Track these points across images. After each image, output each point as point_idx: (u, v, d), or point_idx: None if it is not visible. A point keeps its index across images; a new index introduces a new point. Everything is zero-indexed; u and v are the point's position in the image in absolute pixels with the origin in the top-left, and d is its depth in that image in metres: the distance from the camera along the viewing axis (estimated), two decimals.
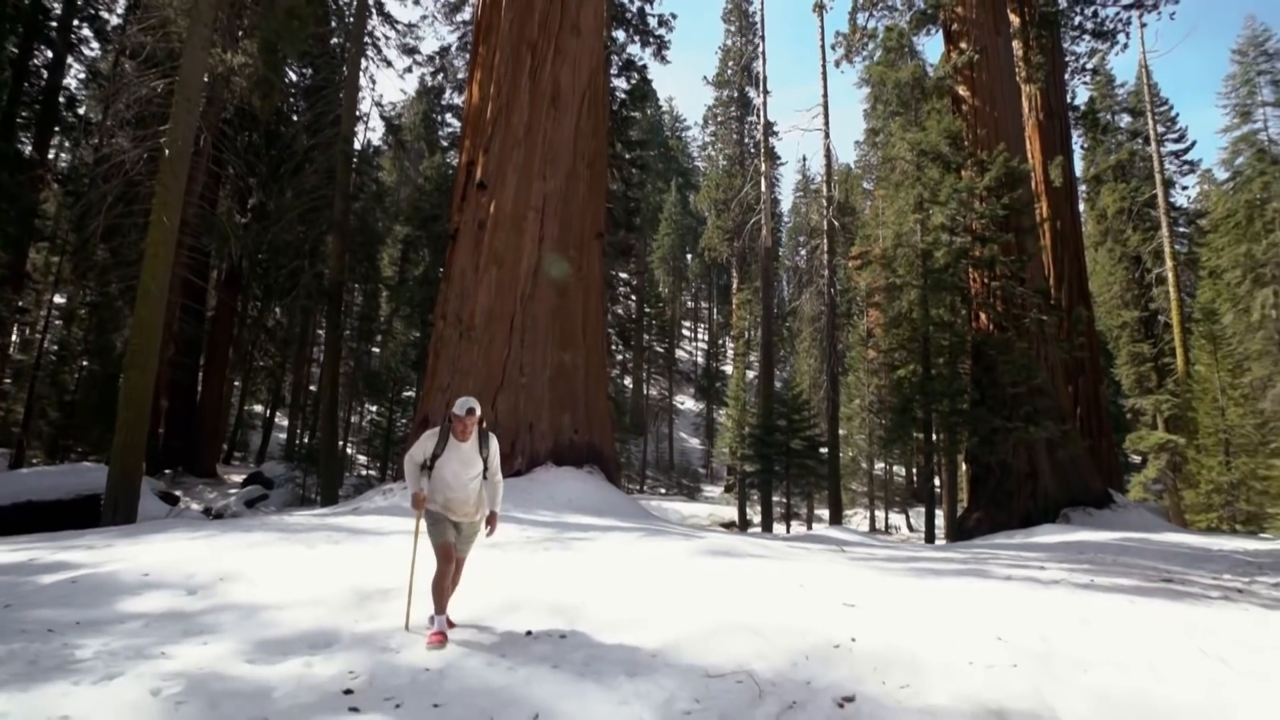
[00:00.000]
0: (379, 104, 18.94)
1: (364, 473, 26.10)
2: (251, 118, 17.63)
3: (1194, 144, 35.39)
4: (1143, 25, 28.16)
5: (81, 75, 16.28)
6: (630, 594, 4.50)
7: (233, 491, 19.59)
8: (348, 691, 3.01)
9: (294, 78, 19.72)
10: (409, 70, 19.24)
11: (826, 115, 21.56)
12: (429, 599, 3.94)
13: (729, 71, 33.54)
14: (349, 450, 29.13)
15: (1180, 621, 3.96)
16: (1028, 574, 5.85)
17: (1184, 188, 33.25)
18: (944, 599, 4.30)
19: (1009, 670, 2.87)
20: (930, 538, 18.66)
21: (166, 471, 19.23)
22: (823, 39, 22.29)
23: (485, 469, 4.14)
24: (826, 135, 21.53)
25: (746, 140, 32.41)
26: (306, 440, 26.96)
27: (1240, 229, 26.53)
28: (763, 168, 23.07)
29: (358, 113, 18.71)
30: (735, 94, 33.89)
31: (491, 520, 4.29)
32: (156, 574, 5.47)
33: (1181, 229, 34.08)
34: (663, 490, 33.80)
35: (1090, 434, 21.15)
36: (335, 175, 16.20)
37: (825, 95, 21.63)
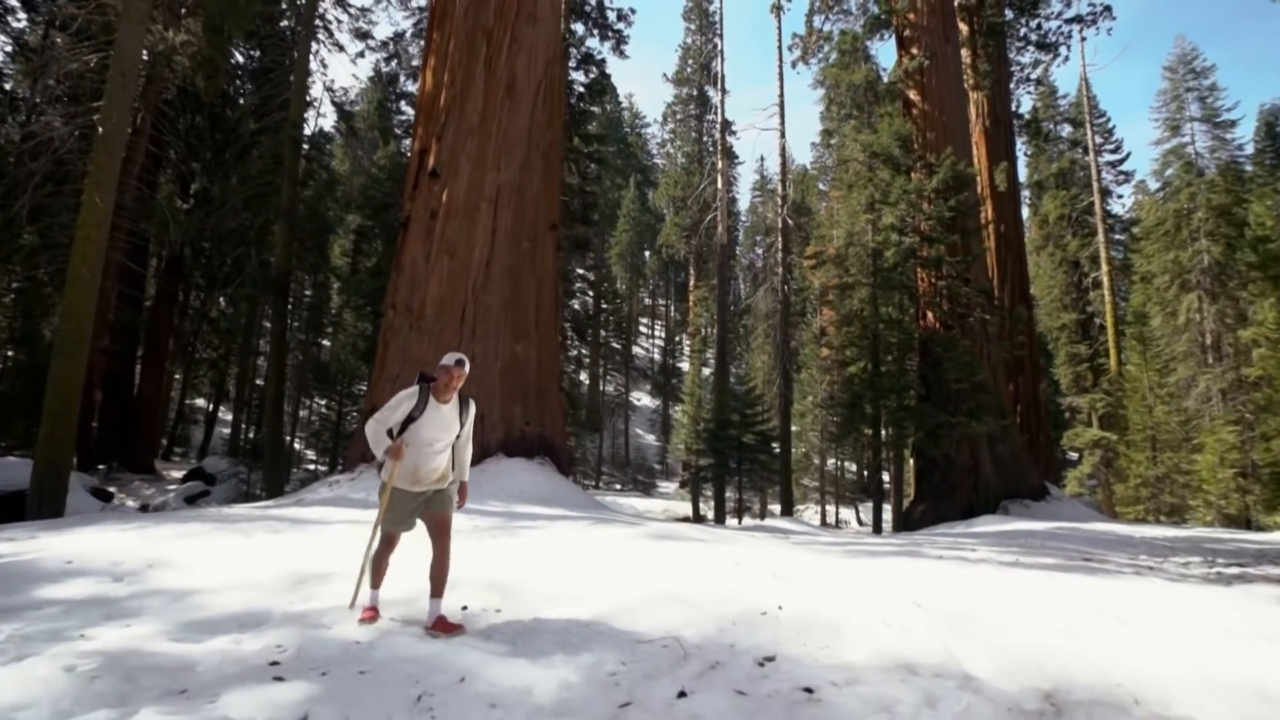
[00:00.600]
0: (330, 89, 18.51)
1: (312, 468, 25.49)
2: (195, 99, 17.01)
3: (1129, 155, 37.09)
4: (1083, 39, 29.37)
5: (8, 48, 15.48)
6: (569, 573, 4.53)
7: (172, 488, 18.90)
8: (274, 663, 2.97)
9: (241, 59, 19.09)
10: (361, 55, 18.78)
11: (782, 115, 21.91)
12: (373, 578, 3.81)
13: (688, 69, 33.79)
14: (296, 445, 28.39)
15: (1090, 591, 4.18)
16: (958, 555, 6.09)
17: (1120, 197, 34.81)
18: (873, 575, 4.45)
19: (923, 631, 3.00)
20: (878, 529, 19.15)
21: (100, 467, 18.42)
22: (780, 40, 22.64)
23: (458, 435, 3.84)
24: (782, 135, 21.88)
25: (705, 138, 32.71)
26: (252, 435, 26.17)
27: (1169, 237, 27.89)
28: (720, 165, 23.31)
29: (308, 98, 18.24)
30: (695, 92, 34.17)
31: (462, 492, 4.01)
32: (81, 561, 5.28)
33: (1117, 236, 35.67)
34: (618, 486, 33.86)
35: (1029, 430, 21.99)
36: (284, 161, 15.76)
37: (781, 95, 21.98)
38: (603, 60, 18.91)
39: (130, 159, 14.41)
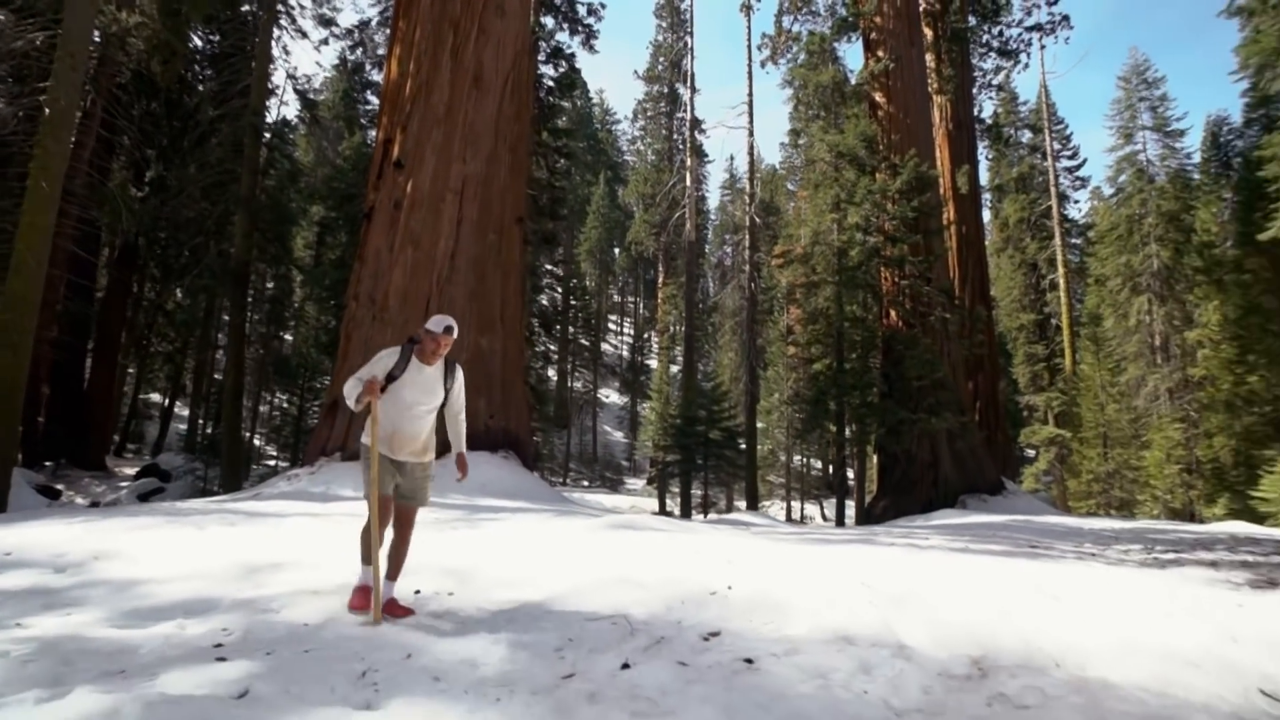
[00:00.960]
0: (293, 76, 18.06)
1: (272, 464, 24.99)
2: (151, 84, 16.52)
3: (1086, 161, 38.19)
4: (1042, 47, 30.13)
5: None
6: (526, 559, 4.54)
7: (124, 485, 18.37)
8: (218, 645, 2.94)
9: (199, 43, 18.57)
10: (325, 43, 18.36)
11: (751, 113, 22.12)
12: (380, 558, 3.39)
13: (659, 67, 33.86)
14: (257, 442, 27.79)
15: (1031, 573, 4.33)
16: (910, 542, 6.24)
17: (1076, 202, 35.91)
18: (825, 559, 4.54)
19: (866, 607, 3.09)
20: (841, 524, 19.45)
21: (47, 464, 17.82)
22: (749, 39, 22.84)
23: (445, 403, 3.59)
24: (750, 133, 22.07)
25: (676, 136, 32.86)
26: (210, 431, 25.54)
27: (1122, 241, 28.81)
28: (689, 163, 23.43)
29: (270, 85, 17.87)
30: (665, 89, 34.26)
31: (461, 464, 3.75)
32: (21, 553, 5.13)
33: (1074, 240, 36.76)
34: (585, 483, 33.83)
35: (987, 427, 22.55)
36: (244, 149, 15.40)
37: (750, 94, 22.19)
38: (572, 55, 18.87)
39: (80, 143, 13.95)
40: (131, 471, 20.16)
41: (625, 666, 2.50)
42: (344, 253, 19.17)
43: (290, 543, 5.75)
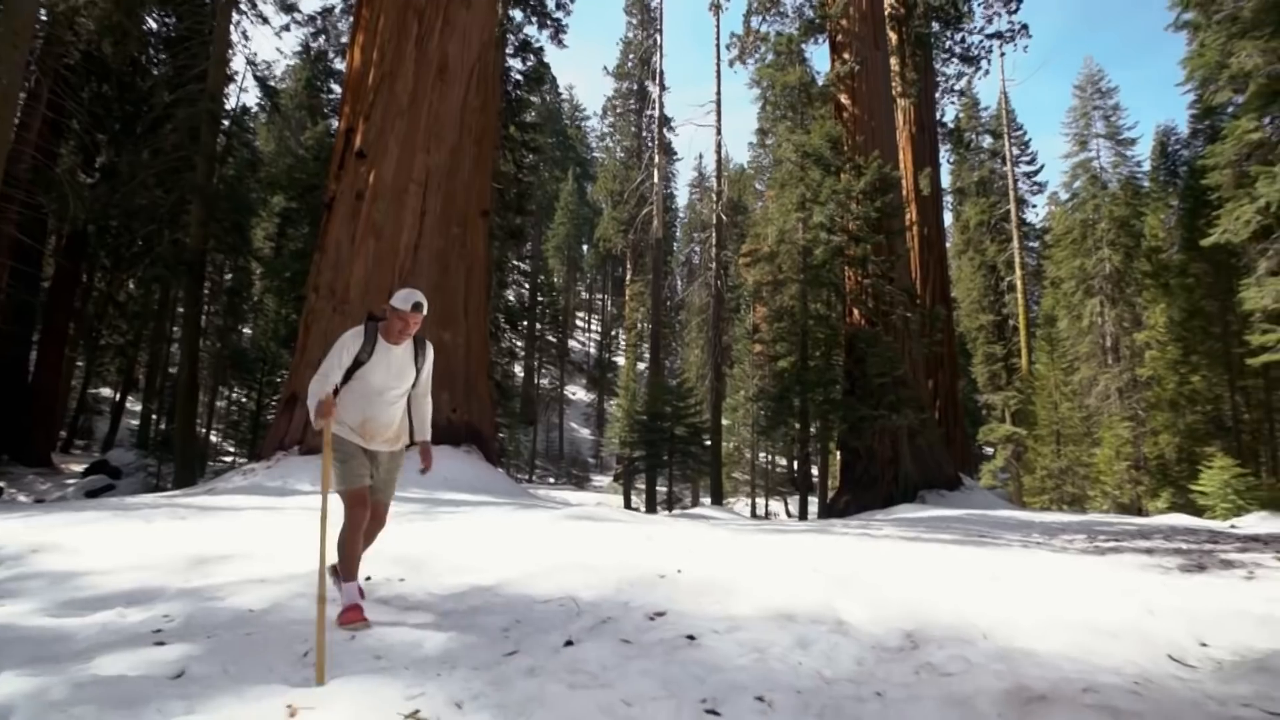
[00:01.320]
0: (253, 62, 17.55)
1: (229, 460, 24.41)
2: (102, 66, 16.00)
3: (1043, 167, 39.26)
4: (1002, 55, 30.91)
5: None
6: (481, 548, 4.53)
7: (71, 482, 17.77)
8: (158, 631, 2.89)
9: (154, 25, 18.00)
10: (287, 29, 17.92)
11: (719, 112, 22.28)
12: (352, 563, 3.13)
13: (629, 64, 33.88)
14: (213, 438, 27.10)
15: (975, 559, 4.48)
16: (864, 532, 6.39)
17: (1034, 206, 36.86)
18: (778, 547, 4.63)
19: (810, 589, 3.16)
20: (804, 518, 19.74)
21: None
22: (718, 38, 23.01)
23: (414, 384, 3.29)
24: (718, 132, 22.24)
25: (645, 133, 32.93)
26: (163, 427, 24.82)
27: (1076, 245, 29.69)
28: (657, 161, 23.49)
29: (229, 71, 17.42)
30: (635, 86, 34.29)
31: (425, 454, 3.42)
32: None
33: (1031, 243, 37.76)
34: (551, 480, 33.73)
35: (946, 424, 23.06)
36: (199, 135, 14.99)
37: (718, 93, 22.35)
38: (541, 48, 18.78)
39: (25, 126, 13.46)
40: (79, 468, 19.50)
41: (568, 644, 2.53)
42: (305, 244, 18.79)
43: (242, 535, 5.66)
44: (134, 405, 29.48)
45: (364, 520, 3.18)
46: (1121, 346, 28.70)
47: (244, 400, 25.11)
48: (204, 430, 24.05)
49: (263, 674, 2.24)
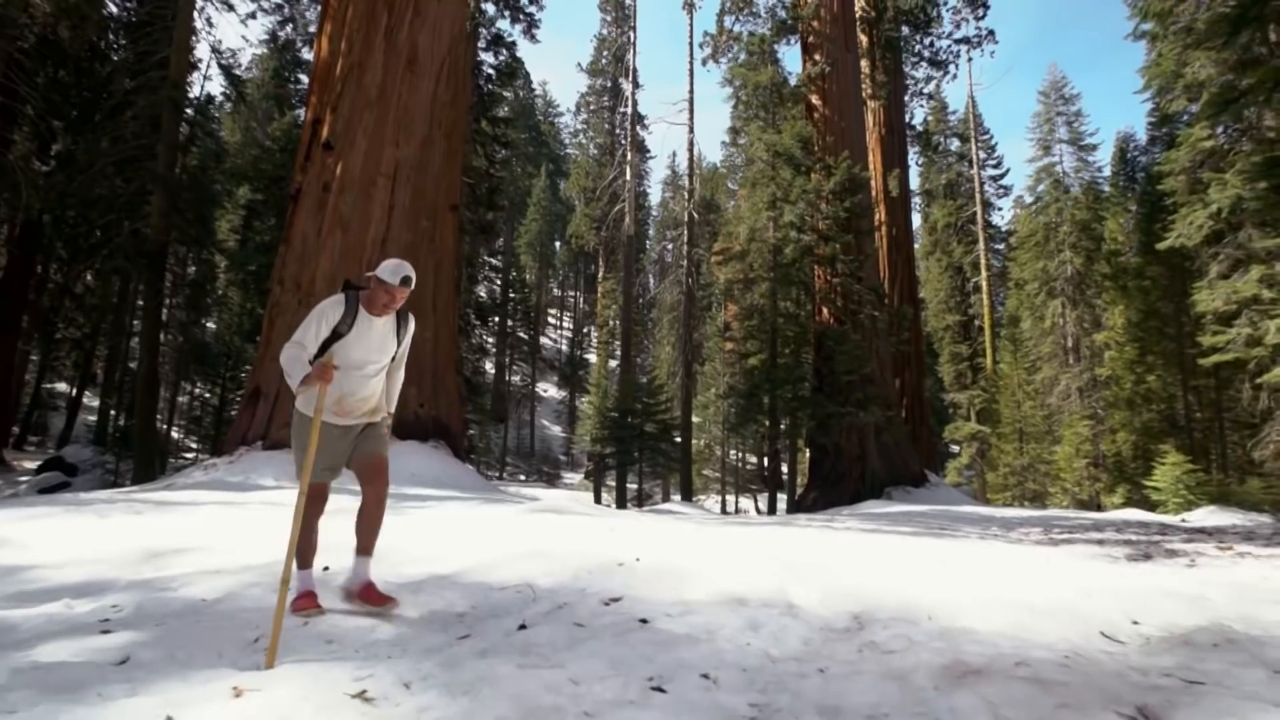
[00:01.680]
0: (217, 50, 17.12)
1: (191, 457, 23.89)
2: (59, 50, 15.52)
3: (1009, 171, 40.16)
4: (970, 60, 31.51)
5: None
6: (442, 540, 4.52)
7: (24, 479, 17.24)
8: (105, 620, 2.84)
9: (114, 9, 17.50)
10: (253, 17, 17.55)
11: (691, 110, 22.35)
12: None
13: (603, 60, 33.84)
14: (175, 434, 26.49)
15: (930, 548, 4.59)
16: (825, 525, 6.50)
17: (999, 209, 37.70)
18: (738, 538, 4.69)
19: (765, 575, 3.22)
20: (773, 514, 19.93)
21: None
22: (691, 36, 23.08)
23: (393, 356, 3.12)
24: (691, 130, 22.33)
25: (618, 130, 32.96)
26: (122, 423, 24.18)
27: (1039, 247, 30.42)
28: (630, 158, 23.51)
29: (193, 59, 17.02)
30: (609, 83, 34.24)
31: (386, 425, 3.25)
32: None
33: (997, 245, 38.57)
34: (523, 477, 33.59)
35: (913, 421, 23.48)
36: (161, 123, 14.63)
37: (691, 91, 22.43)
38: (513, 43, 18.68)
39: None
40: (33, 465, 18.93)
41: (522, 627, 2.56)
42: (272, 237, 18.45)
43: (200, 529, 5.56)
44: (91, 401, 28.63)
45: (317, 516, 3.07)
46: (1082, 347, 29.48)
47: (207, 396, 24.58)
48: (165, 427, 23.48)
49: (211, 659, 2.22)
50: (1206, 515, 13.20)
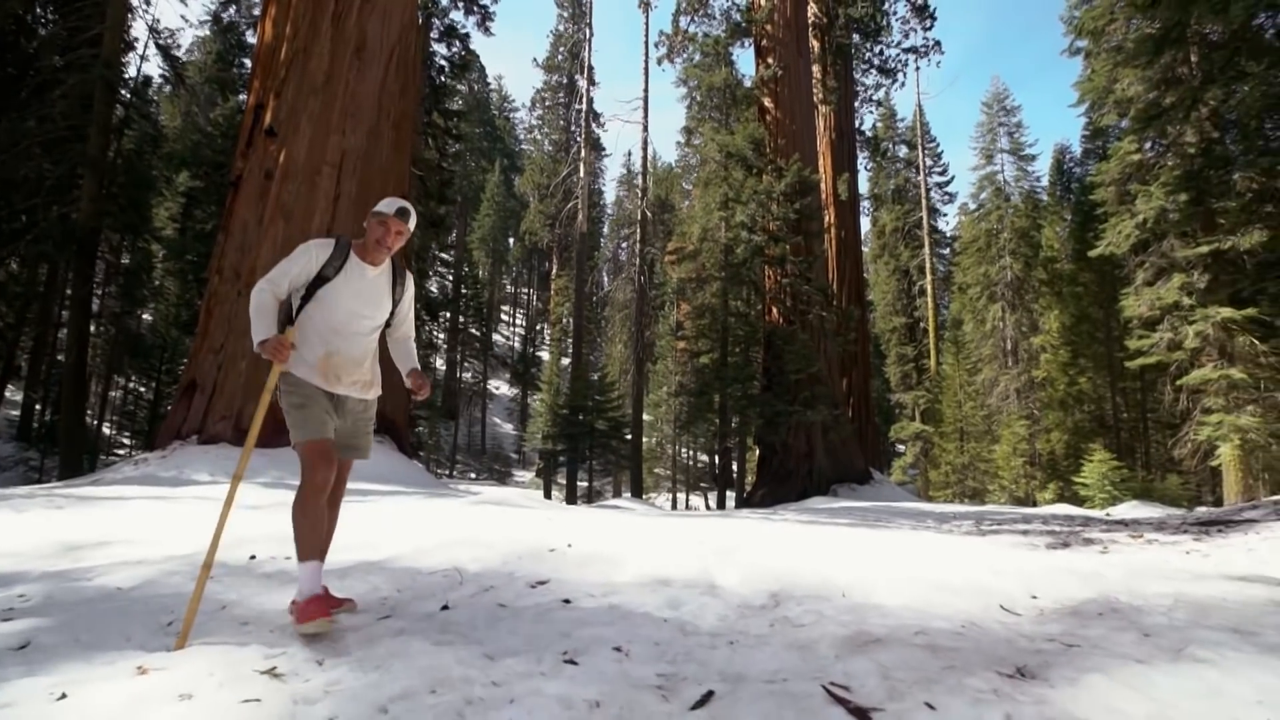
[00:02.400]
0: (155, 29, 16.35)
1: (124, 453, 22.89)
2: None
3: (954, 178, 41.40)
4: (917, 69, 32.46)
5: None
6: (378, 529, 4.47)
7: None
8: (9, 610, 2.73)
9: None
10: None
11: (646, 109, 22.46)
12: (316, 544, 2.45)
13: (559, 56, 33.70)
14: (106, 430, 25.33)
15: (860, 537, 4.74)
16: (764, 517, 6.64)
17: (945, 215, 38.89)
18: (675, 528, 4.77)
19: (692, 559, 3.30)
20: (722, 510, 20.19)
21: None
22: (647, 35, 23.17)
23: (390, 319, 2.72)
24: (645, 128, 22.43)
25: (573, 127, 32.87)
26: (48, 418, 23.01)
27: (981, 253, 31.53)
28: (584, 155, 23.48)
29: (129, 37, 16.31)
30: (564, 80, 34.10)
31: (417, 380, 2.78)
32: None
33: (942, 250, 39.83)
34: (473, 475, 33.21)
35: (859, 420, 24.04)
36: (93, 104, 13.98)
37: (646, 90, 22.53)
38: (467, 35, 18.47)
39: None
40: None
41: (445, 608, 2.57)
42: (213, 225, 17.81)
43: (126, 523, 5.37)
44: (14, 394, 27.15)
45: (329, 482, 2.48)
46: (1020, 349, 30.68)
47: (142, 390, 23.60)
48: (95, 422, 22.45)
49: (118, 643, 2.17)
50: (1130, 509, 13.93)
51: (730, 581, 2.90)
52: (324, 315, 2.53)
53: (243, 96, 19.65)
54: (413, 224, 2.57)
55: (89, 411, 21.78)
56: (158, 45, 16.59)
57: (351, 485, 10.01)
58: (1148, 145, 16.89)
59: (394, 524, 4.79)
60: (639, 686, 1.83)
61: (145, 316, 28.23)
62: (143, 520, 5.62)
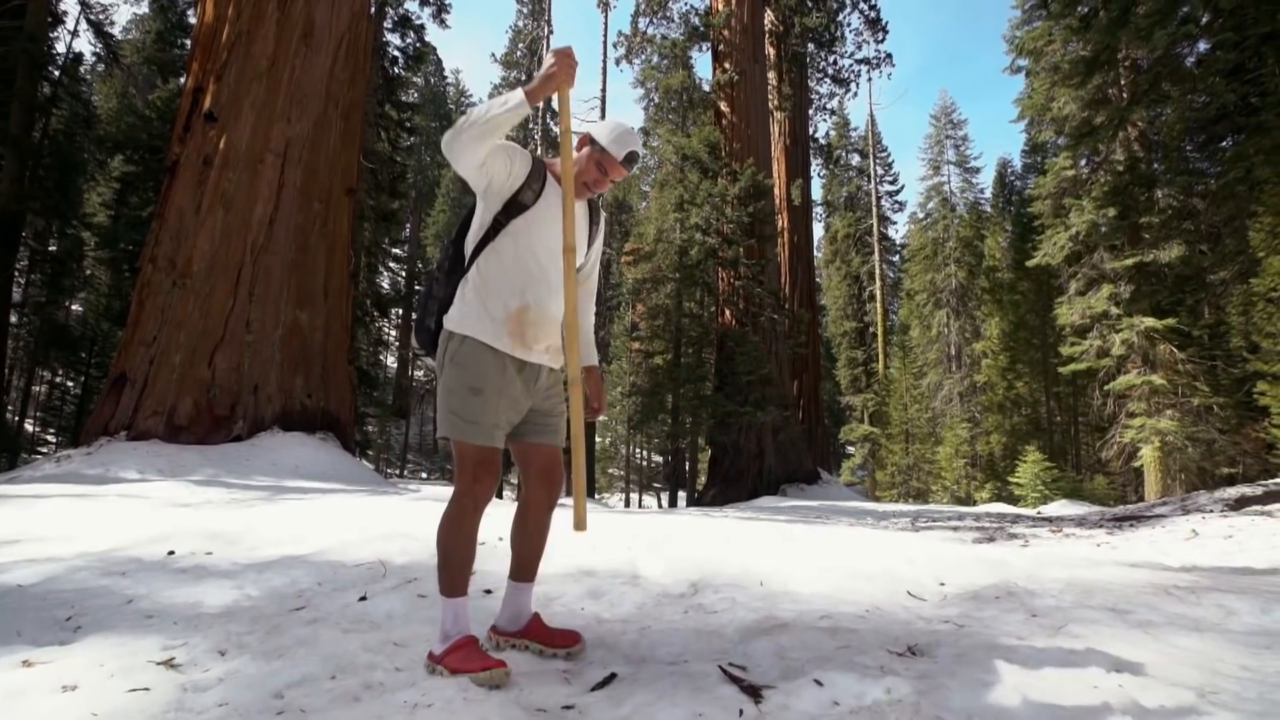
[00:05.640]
0: (86, 4, 15.55)
1: (49, 450, 21.79)
2: None
3: (903, 187, 42.58)
4: (870, 80, 33.25)
5: None
6: (309, 525, 4.38)
7: None
8: None
9: None
10: None
11: (604, 108, 22.50)
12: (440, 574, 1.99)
13: (518, 53, 33.46)
14: (29, 427, 24.08)
15: (793, 531, 4.85)
16: (704, 513, 6.73)
17: (894, 223, 39.94)
18: (613, 522, 4.80)
19: (621, 550, 3.34)
20: (674, 509, 20.32)
21: None
22: (605, 35, 23.20)
23: (584, 262, 2.13)
24: None
25: (532, 125, 32.65)
26: None
27: (928, 260, 32.54)
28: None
29: (57, 11, 15.55)
30: (523, 76, 33.77)
31: (595, 386, 2.11)
32: None
33: (892, 257, 40.91)
34: (424, 474, 32.67)
35: (809, 422, 24.53)
36: (15, 80, 13.28)
37: (604, 90, 22.58)
38: (422, 26, 18.16)
39: None
40: None
41: (362, 599, 2.54)
42: (149, 212, 17.10)
43: (40, 522, 5.14)
44: None
45: (487, 501, 2.01)
46: (963, 355, 31.73)
47: (69, 385, 22.51)
48: (16, 418, 21.30)
49: (8, 637, 2.09)
50: (1059, 508, 14.55)
51: (654, 572, 2.94)
52: (519, 251, 1.92)
53: (183, 80, 18.93)
54: (639, 160, 2.03)
55: (9, 407, 20.66)
56: (89, 20, 15.83)
57: (291, 483, 9.75)
58: (1082, 161, 17.69)
59: (326, 519, 4.70)
60: (545, 671, 1.85)
61: (75, 308, 26.95)
62: (59, 518, 5.39)
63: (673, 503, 20.42)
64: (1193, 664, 1.75)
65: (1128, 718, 1.43)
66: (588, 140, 1.99)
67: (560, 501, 2.24)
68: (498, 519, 4.19)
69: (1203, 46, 12.37)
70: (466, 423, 1.88)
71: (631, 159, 1.97)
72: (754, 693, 1.64)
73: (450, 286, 1.99)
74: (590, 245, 2.12)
